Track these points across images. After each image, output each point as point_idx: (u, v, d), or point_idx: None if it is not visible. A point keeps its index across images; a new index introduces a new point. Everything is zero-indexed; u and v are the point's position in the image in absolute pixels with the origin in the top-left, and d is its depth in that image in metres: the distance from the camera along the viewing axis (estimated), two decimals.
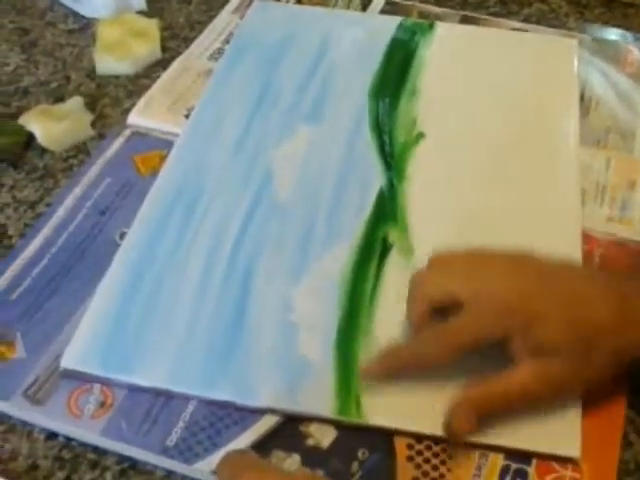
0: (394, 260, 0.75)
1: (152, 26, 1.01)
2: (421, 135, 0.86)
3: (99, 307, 0.71)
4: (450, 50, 0.98)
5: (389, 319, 0.70)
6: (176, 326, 0.70)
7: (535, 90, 0.93)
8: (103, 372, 0.67)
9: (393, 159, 0.84)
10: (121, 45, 0.98)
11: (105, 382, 0.67)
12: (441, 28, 1.01)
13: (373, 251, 0.76)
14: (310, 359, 0.68)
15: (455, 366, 0.64)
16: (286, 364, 0.68)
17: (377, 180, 0.82)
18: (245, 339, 0.69)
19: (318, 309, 0.71)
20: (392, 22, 1.02)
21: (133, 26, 1.01)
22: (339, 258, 0.75)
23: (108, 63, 0.97)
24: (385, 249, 0.76)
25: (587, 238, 0.78)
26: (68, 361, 0.68)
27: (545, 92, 0.93)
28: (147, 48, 0.99)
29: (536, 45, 1.00)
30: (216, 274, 0.74)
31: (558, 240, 0.76)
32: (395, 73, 0.95)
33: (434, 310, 0.65)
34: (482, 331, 0.63)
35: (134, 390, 0.67)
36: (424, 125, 0.88)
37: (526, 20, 1.07)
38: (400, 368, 0.67)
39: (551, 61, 0.97)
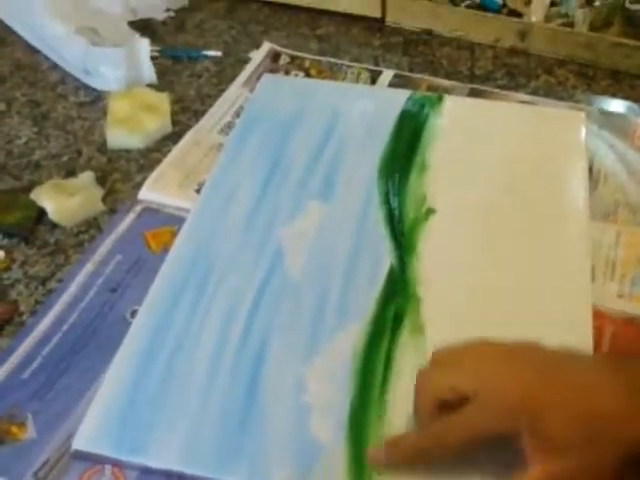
0: (406, 339, 0.75)
1: (163, 100, 1.02)
2: (431, 211, 0.87)
3: (111, 387, 0.71)
4: (459, 123, 0.99)
5: (402, 399, 0.70)
6: (188, 406, 0.70)
7: (544, 163, 0.93)
8: (115, 453, 0.67)
9: (403, 236, 0.84)
10: (132, 119, 0.99)
11: (117, 463, 0.67)
12: (450, 101, 1.02)
13: (384, 330, 0.75)
14: (322, 441, 0.67)
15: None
16: (298, 446, 0.67)
17: (387, 257, 0.82)
18: (258, 420, 0.69)
19: (330, 390, 0.71)
20: (401, 95, 1.03)
21: (144, 100, 1.02)
22: (351, 338, 0.75)
23: (119, 137, 0.98)
24: (396, 328, 0.76)
25: (598, 315, 0.78)
26: (80, 442, 0.67)
27: (554, 165, 0.93)
28: (158, 122, 1.00)
29: (544, 118, 1.01)
30: (228, 354, 0.74)
31: (568, 318, 0.76)
32: (405, 146, 0.95)
33: (443, 404, 0.64)
34: (485, 427, 0.62)
35: (146, 471, 0.66)
36: (434, 200, 0.88)
37: (534, 92, 1.08)
38: (404, 461, 0.66)
39: (559, 134, 0.98)
